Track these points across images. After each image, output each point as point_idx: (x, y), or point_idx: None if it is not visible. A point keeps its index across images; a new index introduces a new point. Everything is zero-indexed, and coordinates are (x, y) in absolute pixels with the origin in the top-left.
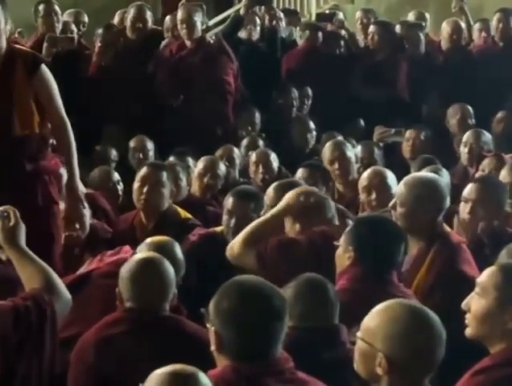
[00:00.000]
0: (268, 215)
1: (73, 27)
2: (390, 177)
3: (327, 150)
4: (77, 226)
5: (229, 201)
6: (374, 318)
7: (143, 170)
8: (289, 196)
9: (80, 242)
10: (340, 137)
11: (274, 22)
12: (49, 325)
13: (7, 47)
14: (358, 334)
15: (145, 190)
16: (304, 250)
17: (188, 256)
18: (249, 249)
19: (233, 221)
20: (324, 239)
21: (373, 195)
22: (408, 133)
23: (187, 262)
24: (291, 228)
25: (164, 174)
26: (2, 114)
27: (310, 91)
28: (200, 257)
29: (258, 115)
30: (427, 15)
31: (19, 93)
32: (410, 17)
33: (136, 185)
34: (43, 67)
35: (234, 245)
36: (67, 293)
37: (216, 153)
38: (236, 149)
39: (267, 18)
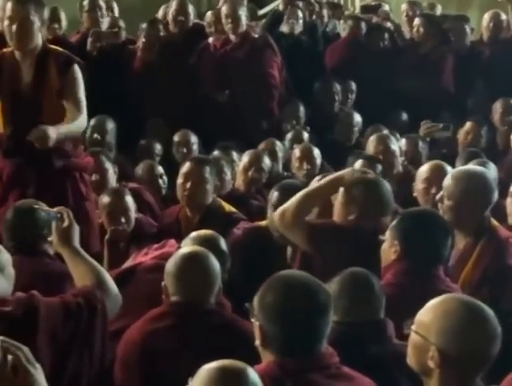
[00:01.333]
0: (321, 183)
1: (121, 23)
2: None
3: (371, 144)
4: (123, 220)
5: (274, 195)
6: (429, 312)
7: (186, 166)
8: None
9: (126, 236)
10: (385, 131)
11: (315, 16)
12: (99, 321)
13: (42, 46)
14: (412, 327)
15: (188, 186)
16: (352, 242)
17: (233, 249)
18: (301, 220)
19: None
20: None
21: (434, 189)
22: (469, 126)
23: (232, 255)
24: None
25: (207, 169)
26: (32, 112)
27: (354, 85)
28: (245, 251)
29: (302, 109)
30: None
31: (50, 92)
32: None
33: (179, 181)
34: (75, 67)
35: (286, 212)
36: (117, 292)
37: (258, 147)
38: (279, 143)
39: (307, 12)
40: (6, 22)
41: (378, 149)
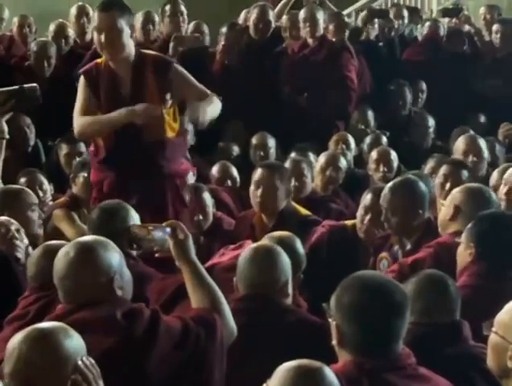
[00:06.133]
0: None
1: (204, 28)
2: None
3: (461, 143)
4: (200, 217)
5: (367, 197)
6: (508, 312)
7: (257, 173)
8: None
9: (202, 231)
10: (471, 132)
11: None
12: (218, 349)
13: (136, 53)
14: (492, 328)
15: (259, 193)
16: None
17: (316, 247)
18: None
19: (368, 217)
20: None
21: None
22: None
23: (315, 253)
24: None
25: (277, 176)
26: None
27: (424, 85)
28: (329, 248)
29: (371, 113)
30: None
31: (151, 101)
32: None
33: (251, 188)
34: (174, 65)
35: None
36: (231, 321)
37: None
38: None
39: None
40: (95, 33)
41: (469, 148)
